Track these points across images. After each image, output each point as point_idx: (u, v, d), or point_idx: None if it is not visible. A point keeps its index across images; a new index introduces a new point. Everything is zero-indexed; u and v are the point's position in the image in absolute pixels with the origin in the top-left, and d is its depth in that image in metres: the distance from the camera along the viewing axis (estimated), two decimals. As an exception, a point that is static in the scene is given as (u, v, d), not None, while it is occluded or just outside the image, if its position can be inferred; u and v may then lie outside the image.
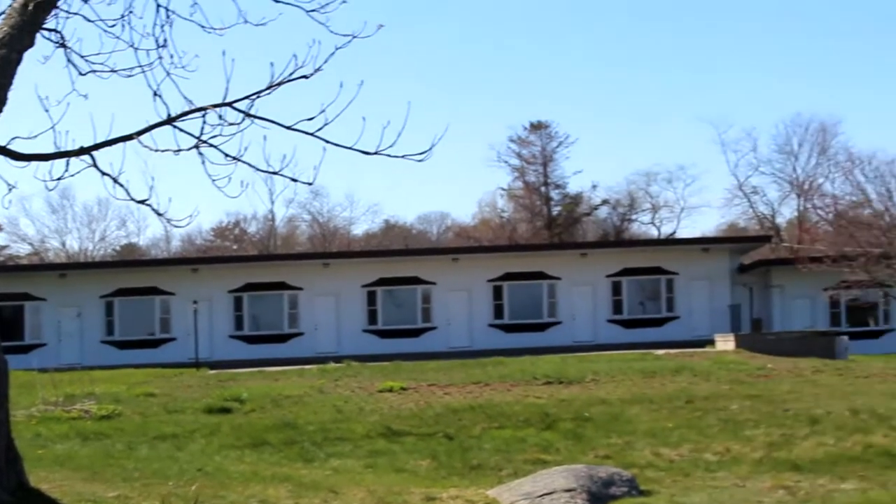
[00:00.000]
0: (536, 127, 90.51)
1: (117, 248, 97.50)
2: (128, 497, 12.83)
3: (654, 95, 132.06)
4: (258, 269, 51.77)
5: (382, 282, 51.03)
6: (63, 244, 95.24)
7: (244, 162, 13.11)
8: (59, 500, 11.46)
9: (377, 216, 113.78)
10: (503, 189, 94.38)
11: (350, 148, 12.82)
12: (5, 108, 11.71)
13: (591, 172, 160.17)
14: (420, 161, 12.92)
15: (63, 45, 13.77)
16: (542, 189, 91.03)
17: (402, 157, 12.83)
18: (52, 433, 21.37)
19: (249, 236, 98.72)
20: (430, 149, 12.71)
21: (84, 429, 22.26)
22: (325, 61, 12.45)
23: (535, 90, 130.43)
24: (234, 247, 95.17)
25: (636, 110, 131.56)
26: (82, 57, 13.90)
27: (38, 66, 14.23)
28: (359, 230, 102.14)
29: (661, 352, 38.76)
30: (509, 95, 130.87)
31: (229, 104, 12.84)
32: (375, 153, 12.67)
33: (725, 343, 40.66)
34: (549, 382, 29.06)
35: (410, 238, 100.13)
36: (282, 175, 12.91)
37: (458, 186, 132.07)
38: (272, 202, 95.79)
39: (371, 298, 50.91)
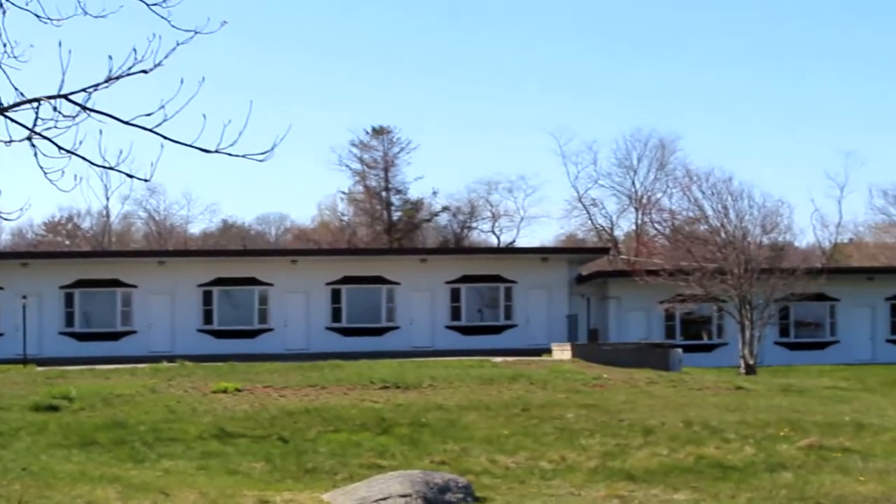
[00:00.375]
0: (378, 132, 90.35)
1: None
2: (-55, 496, 12.27)
3: (497, 104, 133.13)
4: (91, 266, 50.51)
5: (219, 282, 50.24)
6: None
7: (78, 156, 12.63)
8: None
9: (215, 215, 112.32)
10: (343, 192, 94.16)
11: (189, 145, 12.44)
12: None
13: (432, 179, 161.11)
14: (261, 161, 12.60)
15: None
16: (383, 194, 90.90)
17: (243, 156, 12.49)
18: None
19: (83, 232, 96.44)
20: (272, 149, 12.41)
21: None
22: (166, 56, 12.05)
23: (378, 95, 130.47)
24: (67, 242, 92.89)
25: (479, 119, 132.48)
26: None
27: None
28: (196, 229, 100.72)
29: (498, 359, 38.81)
30: (351, 99, 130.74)
31: (64, 96, 12.37)
32: (216, 151, 12.31)
33: (562, 352, 40.92)
34: (386, 387, 28.84)
35: (248, 239, 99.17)
36: (117, 170, 12.43)
37: (297, 188, 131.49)
38: (107, 198, 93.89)
39: (207, 298, 50.08)
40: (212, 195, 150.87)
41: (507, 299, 52.08)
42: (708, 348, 51.41)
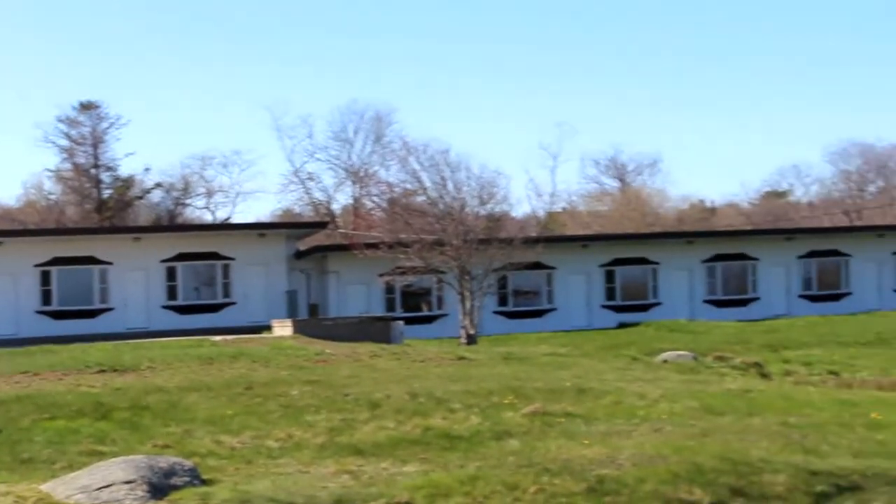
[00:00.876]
0: (86, 107, 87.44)
1: None
2: None
3: (210, 79, 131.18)
4: None
5: None
6: None
7: None
8: None
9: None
10: (50, 170, 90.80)
11: None
12: None
13: (144, 155, 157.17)
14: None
15: None
16: (93, 171, 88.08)
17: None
18: None
19: None
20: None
21: None
22: None
23: (86, 69, 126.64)
24: None
25: (192, 93, 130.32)
26: None
27: None
28: None
29: (218, 338, 38.13)
30: (57, 74, 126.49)
31: None
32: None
33: (283, 329, 40.57)
34: (102, 371, 27.80)
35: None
36: None
37: (1, 168, 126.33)
38: None
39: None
40: None
41: (225, 276, 51.36)
42: (429, 320, 51.95)
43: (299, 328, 39.56)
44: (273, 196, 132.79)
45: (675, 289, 57.06)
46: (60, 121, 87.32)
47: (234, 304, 50.82)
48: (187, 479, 14.96)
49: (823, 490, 14.34)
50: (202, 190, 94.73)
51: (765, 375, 33.44)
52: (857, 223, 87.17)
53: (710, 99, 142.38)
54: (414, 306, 52.90)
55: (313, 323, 41.89)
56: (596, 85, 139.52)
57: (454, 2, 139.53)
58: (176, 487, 14.48)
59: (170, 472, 14.90)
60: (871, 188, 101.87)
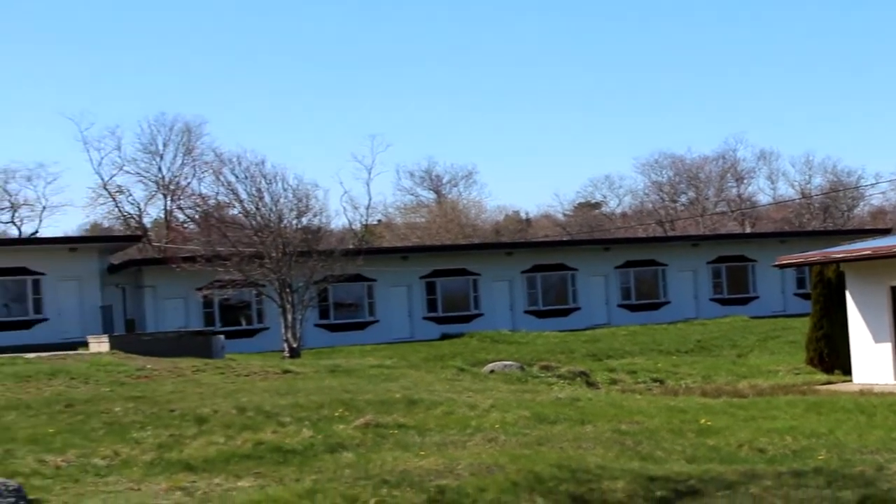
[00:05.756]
0: None
1: None
2: None
3: (10, 89, 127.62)
4: None
5: None
6: None
7: None
8: None
9: None
10: None
11: None
12: None
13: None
14: None
15: None
16: None
17: None
18: None
19: None
20: None
21: None
22: None
23: None
24: None
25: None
26: None
27: None
28: None
29: (31, 355, 36.90)
30: None
31: None
32: None
33: (99, 345, 39.53)
34: None
35: None
36: None
37: None
38: None
39: None
40: None
41: (36, 292, 49.92)
42: (250, 333, 51.33)
43: (117, 344, 38.60)
44: (81, 210, 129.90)
45: (496, 299, 57.53)
46: None
47: (46, 320, 49.39)
48: (13, 500, 14.37)
49: (664, 495, 14.43)
50: (6, 204, 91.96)
51: (591, 384, 33.88)
52: (672, 233, 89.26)
53: (523, 109, 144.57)
54: (234, 320, 52.20)
55: (131, 338, 40.95)
56: (408, 96, 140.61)
57: (264, 10, 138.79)
58: (-1, 510, 13.88)
59: (-7, 494, 14.28)
60: (683, 199, 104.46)
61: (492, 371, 34.30)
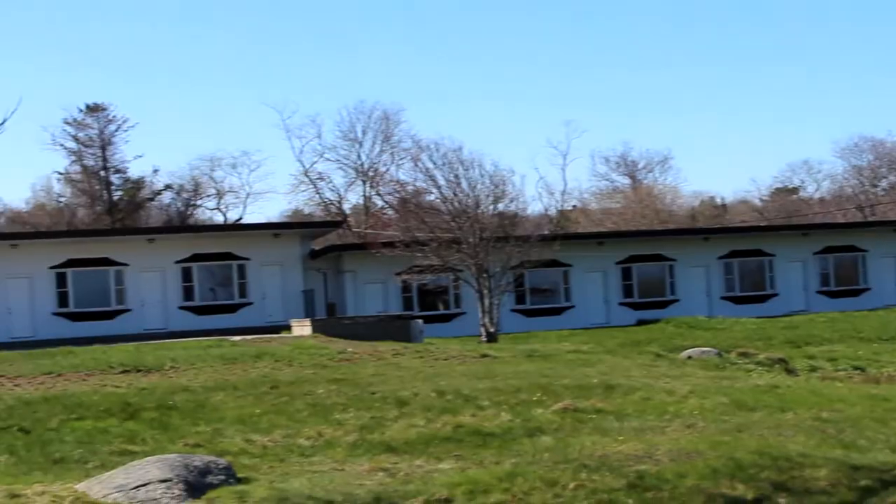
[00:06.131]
0: (93, 109, 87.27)
1: None
2: None
3: (218, 79, 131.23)
4: None
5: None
6: None
7: None
8: None
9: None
10: (59, 173, 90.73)
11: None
12: None
13: (153, 157, 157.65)
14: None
15: None
16: (102, 173, 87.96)
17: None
18: None
19: None
20: (3, 122, 11.57)
21: None
22: None
23: (93, 71, 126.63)
24: None
25: (199, 94, 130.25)
26: None
27: None
28: None
29: (237, 338, 38.02)
30: (64, 76, 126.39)
31: None
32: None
33: (302, 328, 40.43)
34: (126, 371, 27.72)
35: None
36: None
37: (9, 170, 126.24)
38: None
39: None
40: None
41: (241, 277, 51.25)
42: (446, 318, 51.75)
43: (318, 327, 39.40)
44: (283, 196, 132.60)
45: (692, 285, 56.82)
46: (67, 123, 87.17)
47: (250, 304, 50.71)
48: (223, 477, 14.87)
49: (868, 485, 14.21)
50: (212, 191, 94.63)
51: (790, 371, 33.27)
52: (872, 218, 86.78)
53: (720, 94, 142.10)
54: (431, 304, 52.71)
55: (332, 322, 41.73)
56: (605, 82, 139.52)
57: (462, 1, 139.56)
58: (212, 486, 14.39)
59: (205, 471, 14.81)
60: (884, 183, 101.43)
61: (689, 357, 34.00)
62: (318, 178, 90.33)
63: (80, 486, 14.37)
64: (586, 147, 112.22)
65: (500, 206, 49.34)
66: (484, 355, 31.00)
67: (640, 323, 51.75)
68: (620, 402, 21.75)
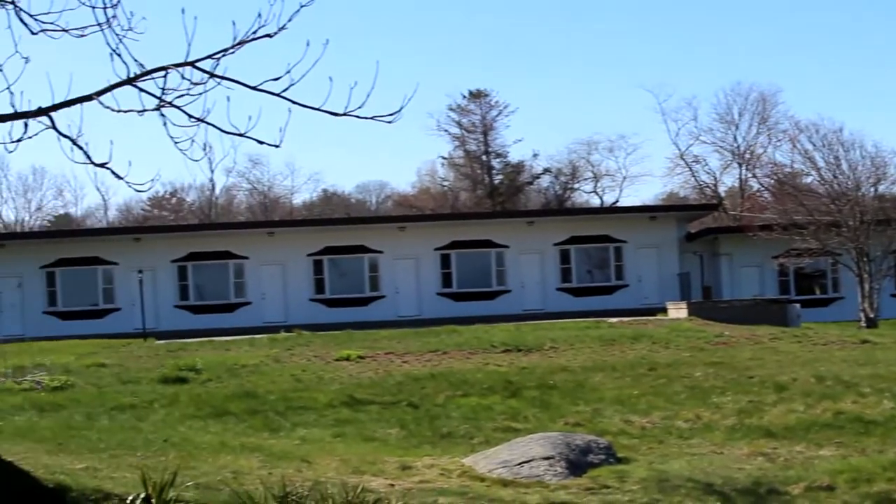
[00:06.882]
0: (476, 95, 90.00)
1: (52, 217, 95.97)
2: (97, 469, 12.34)
3: (594, 63, 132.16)
4: (202, 239, 50.98)
5: (328, 250, 50.45)
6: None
7: (208, 123, 12.59)
8: (29, 473, 10.87)
9: (318, 185, 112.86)
10: (443, 158, 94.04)
11: (318, 109, 12.35)
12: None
13: (531, 141, 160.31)
14: (390, 122, 12.49)
15: (12, 3, 13.12)
16: (483, 158, 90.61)
17: (372, 118, 12.40)
18: (6, 404, 20.80)
19: (188, 205, 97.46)
20: (400, 110, 12.26)
21: (38, 400, 21.67)
22: (290, 19, 11.98)
23: (474, 57, 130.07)
24: (171, 217, 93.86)
25: (576, 79, 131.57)
26: (32, 16, 13.27)
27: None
28: (298, 200, 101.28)
29: (613, 319, 38.56)
30: (447, 63, 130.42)
31: (192, 63, 12.33)
32: (344, 114, 12.20)
33: (678, 311, 40.53)
34: (507, 350, 28.76)
35: (349, 207, 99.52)
36: (247, 137, 12.40)
37: (396, 156, 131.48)
38: (212, 170, 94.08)
39: (317, 267, 50.37)
40: (313, 164, 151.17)
41: (618, 259, 51.72)
42: (824, 303, 50.58)
43: (694, 310, 39.42)
44: (658, 179, 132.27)
45: None
46: (452, 109, 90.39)
47: (626, 286, 51.13)
48: (603, 457, 15.24)
49: None
50: (589, 174, 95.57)
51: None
52: None
53: None
54: (808, 289, 51.60)
55: (708, 305, 41.61)
56: None
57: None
58: (593, 465, 14.77)
59: (586, 450, 15.22)
60: None
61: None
62: (693, 161, 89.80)
63: (466, 461, 15.07)
64: None
65: (881, 189, 47.84)
66: (864, 341, 30.28)
67: None
68: None
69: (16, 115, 12.28)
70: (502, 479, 13.70)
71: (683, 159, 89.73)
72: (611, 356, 27.09)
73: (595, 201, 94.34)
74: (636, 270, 51.25)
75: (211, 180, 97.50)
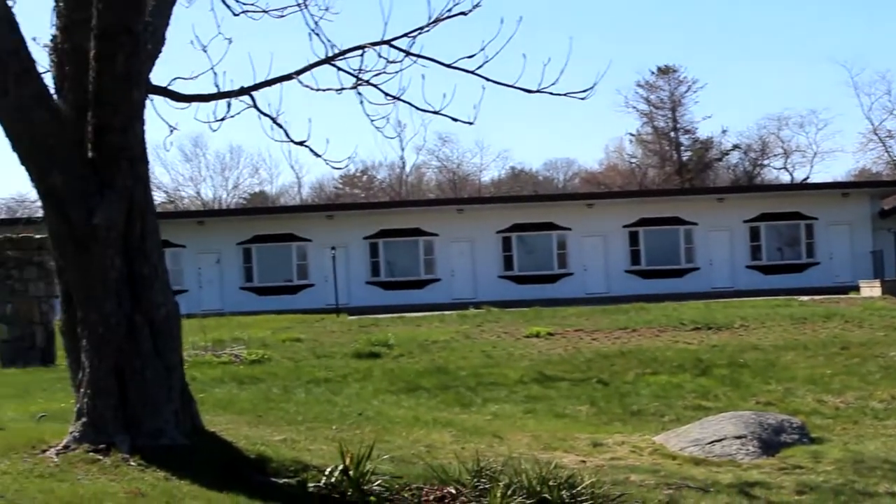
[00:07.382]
0: (664, 71, 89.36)
1: (248, 195, 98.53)
2: (294, 440, 12.78)
3: (784, 37, 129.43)
4: (392, 216, 51.87)
5: (517, 228, 50.81)
6: (197, 192, 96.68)
7: (405, 101, 12.94)
8: (232, 443, 11.38)
9: (506, 163, 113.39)
10: (632, 135, 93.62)
11: (511, 86, 12.58)
12: (163, 49, 11.58)
13: (720, 117, 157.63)
14: (583, 99, 12.67)
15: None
16: (672, 134, 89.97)
17: (566, 94, 12.57)
18: (206, 377, 21.54)
19: (378, 183, 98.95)
20: (594, 86, 12.45)
21: (237, 373, 22.43)
22: (483, -3, 12.24)
23: (662, 33, 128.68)
24: (363, 194, 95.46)
25: (765, 53, 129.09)
26: (234, -4, 13.76)
27: (189, 9, 14.16)
28: (486, 177, 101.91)
29: (804, 298, 38.02)
30: (635, 39, 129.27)
31: (388, 42, 12.68)
32: (538, 91, 12.42)
33: (871, 289, 39.75)
34: (697, 328, 28.68)
35: (537, 184, 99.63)
36: (442, 114, 12.70)
37: (583, 132, 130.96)
38: (402, 149, 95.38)
39: (506, 244, 50.78)
40: (501, 141, 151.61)
41: (809, 237, 50.93)
42: None
43: (889, 289, 38.58)
44: (851, 155, 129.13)
45: None
46: (640, 86, 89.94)
47: (817, 264, 50.30)
48: (796, 436, 15.11)
49: None
50: (779, 150, 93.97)
51: None
52: None
53: None
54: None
55: (901, 284, 40.70)
56: None
57: None
58: (786, 444, 14.66)
59: (779, 430, 15.12)
60: None
61: None
62: (887, 136, 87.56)
63: (657, 438, 15.14)
64: None
65: None
66: None
67: None
68: None
69: (220, 95, 12.87)
70: (694, 457, 13.73)
71: (877, 134, 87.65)
72: (802, 335, 26.76)
73: (785, 178, 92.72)
74: (827, 248, 50.37)
75: (402, 158, 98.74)
